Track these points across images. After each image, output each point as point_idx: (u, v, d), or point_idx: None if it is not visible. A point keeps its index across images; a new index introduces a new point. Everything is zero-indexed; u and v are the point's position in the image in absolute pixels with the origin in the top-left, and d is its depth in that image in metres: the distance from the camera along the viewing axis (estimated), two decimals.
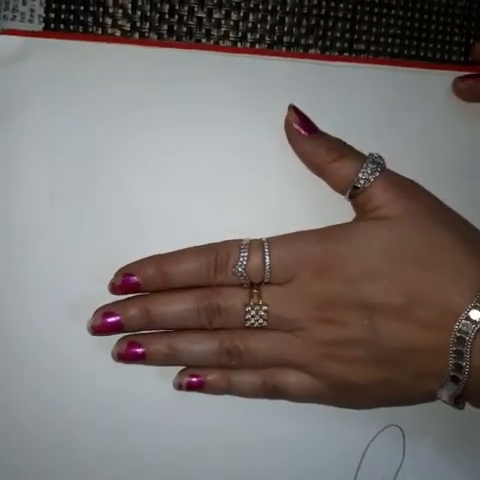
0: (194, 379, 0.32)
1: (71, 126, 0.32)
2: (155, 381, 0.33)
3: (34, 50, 0.32)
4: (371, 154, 0.31)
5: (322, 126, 0.32)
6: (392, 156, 0.32)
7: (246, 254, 0.30)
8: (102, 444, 0.33)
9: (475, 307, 0.28)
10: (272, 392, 0.32)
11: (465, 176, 0.34)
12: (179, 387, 0.32)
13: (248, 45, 0.34)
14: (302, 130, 0.32)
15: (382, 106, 0.34)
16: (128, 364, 0.31)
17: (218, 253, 0.30)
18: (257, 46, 0.34)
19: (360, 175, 0.31)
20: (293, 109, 0.32)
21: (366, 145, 0.32)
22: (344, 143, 0.32)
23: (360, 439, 0.34)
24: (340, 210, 0.32)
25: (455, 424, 0.34)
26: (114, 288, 0.31)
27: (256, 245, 0.31)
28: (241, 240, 0.31)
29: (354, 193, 0.31)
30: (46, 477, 0.33)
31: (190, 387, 0.32)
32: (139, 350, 0.31)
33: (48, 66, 0.32)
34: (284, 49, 0.34)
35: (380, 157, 0.31)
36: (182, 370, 0.32)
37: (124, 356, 0.31)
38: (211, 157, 0.33)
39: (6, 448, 0.33)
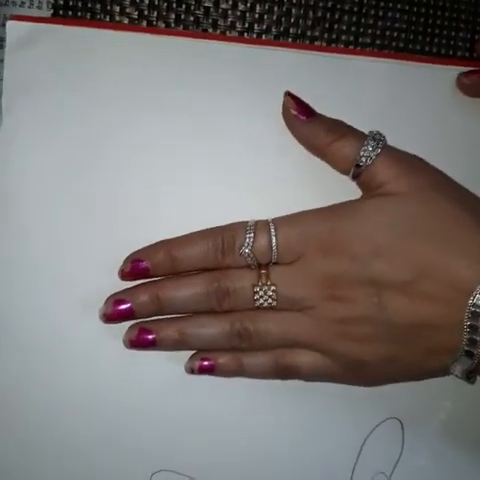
0: (205, 362, 0.32)
1: (77, 112, 0.32)
2: (159, 369, 0.33)
3: (42, 36, 0.32)
4: (371, 131, 0.31)
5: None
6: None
7: (252, 235, 0.30)
8: (105, 433, 0.33)
9: None
10: (284, 372, 0.32)
11: (469, 171, 0.34)
12: (191, 371, 0.32)
13: (255, 36, 0.34)
14: (300, 115, 0.32)
15: (386, 100, 0.34)
16: (140, 351, 0.32)
17: (224, 235, 0.31)
18: (264, 37, 0.34)
19: (362, 153, 0.31)
20: (289, 95, 0.32)
21: None
22: (343, 123, 0.32)
23: (359, 431, 0.34)
24: (345, 192, 0.32)
25: (454, 416, 0.34)
26: (124, 274, 0.31)
27: (262, 226, 0.31)
28: (247, 222, 0.31)
29: (357, 172, 0.31)
30: (48, 466, 0.33)
31: (202, 370, 0.32)
32: (150, 336, 0.31)
33: (56, 52, 0.32)
34: (290, 40, 0.34)
35: (380, 134, 0.31)
36: (193, 354, 0.32)
37: (135, 343, 0.31)
38: (217, 145, 0.33)
39: (9, 438, 0.33)
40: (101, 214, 0.33)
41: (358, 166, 0.31)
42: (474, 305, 0.28)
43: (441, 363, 0.30)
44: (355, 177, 0.31)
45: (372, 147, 0.31)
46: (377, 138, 0.31)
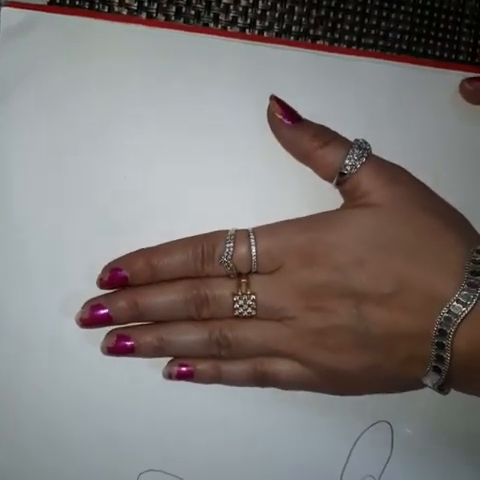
0: (184, 368, 0.31)
1: (72, 101, 0.32)
2: (148, 370, 0.32)
3: (38, 24, 0.31)
4: (357, 140, 0.31)
5: (324, 118, 0.32)
6: (393, 151, 0.31)
7: (232, 244, 0.30)
8: (94, 434, 0.33)
9: (458, 301, 0.28)
10: (262, 380, 0.32)
11: (470, 175, 0.34)
12: (169, 376, 0.32)
13: (256, 32, 0.33)
14: (285, 119, 0.31)
15: (386, 102, 0.34)
16: (117, 357, 0.31)
17: (204, 244, 0.30)
18: (265, 34, 0.33)
19: (347, 161, 0.30)
20: (275, 99, 0.32)
21: (368, 139, 0.31)
22: (329, 130, 0.32)
23: (348, 435, 0.34)
24: (328, 198, 0.32)
25: (443, 418, 0.34)
26: (102, 283, 0.31)
27: (242, 235, 0.30)
28: (227, 231, 0.31)
29: (341, 180, 0.31)
30: (41, 468, 0.33)
31: (180, 376, 0.32)
32: (128, 343, 0.31)
33: (51, 41, 0.31)
34: (292, 38, 0.34)
35: (366, 143, 0.31)
36: (172, 360, 0.32)
37: (113, 350, 0.31)
38: (210, 145, 0.33)
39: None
40: (92, 210, 0.32)
41: (342, 174, 0.31)
42: (441, 323, 0.29)
43: (414, 374, 0.30)
44: (338, 185, 0.31)
45: (357, 156, 0.31)
46: (363, 147, 0.31)
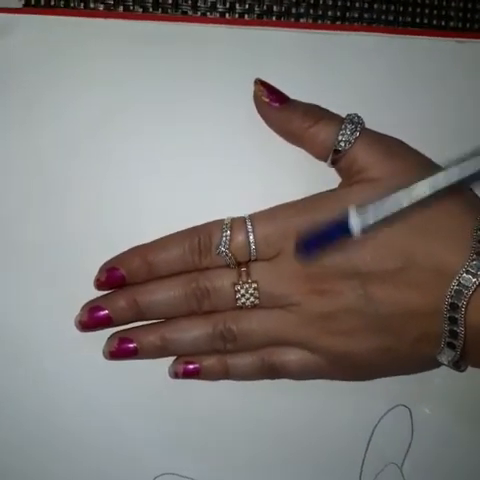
0: (190, 366, 0.31)
1: (55, 104, 0.31)
2: (158, 370, 0.32)
3: (15, 27, 0.31)
4: (349, 115, 0.30)
5: (314, 97, 0.31)
6: (388, 125, 0.31)
7: (228, 233, 0.29)
8: (106, 437, 0.32)
9: (467, 272, 0.27)
10: (271, 372, 0.31)
11: (467, 144, 0.33)
12: (175, 375, 0.31)
13: (237, 16, 0.33)
14: (272, 102, 0.30)
15: (378, 75, 0.33)
16: (121, 361, 0.31)
17: (200, 236, 0.30)
18: (246, 17, 0.33)
19: (340, 137, 0.30)
20: (260, 82, 0.31)
21: (362, 115, 0.30)
22: (318, 107, 0.31)
23: (366, 421, 0.33)
24: (324, 180, 0.31)
25: (463, 400, 0.33)
26: (99, 284, 0.30)
27: (238, 223, 0.30)
28: (222, 220, 0.30)
29: (336, 158, 0.30)
30: (49, 472, 0.32)
31: (186, 374, 0.31)
32: (131, 345, 0.30)
33: (30, 43, 0.31)
34: (274, 19, 0.33)
35: (358, 117, 0.30)
36: (177, 358, 0.31)
37: (116, 353, 0.30)
38: (200, 133, 0.32)
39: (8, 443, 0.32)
40: (86, 208, 0.31)
41: (336, 151, 0.30)
42: (452, 297, 0.28)
43: (428, 353, 0.29)
44: (334, 163, 0.30)
45: (350, 130, 0.30)
46: (355, 121, 0.30)
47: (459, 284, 0.28)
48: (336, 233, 0.27)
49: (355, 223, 0.26)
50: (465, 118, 0.33)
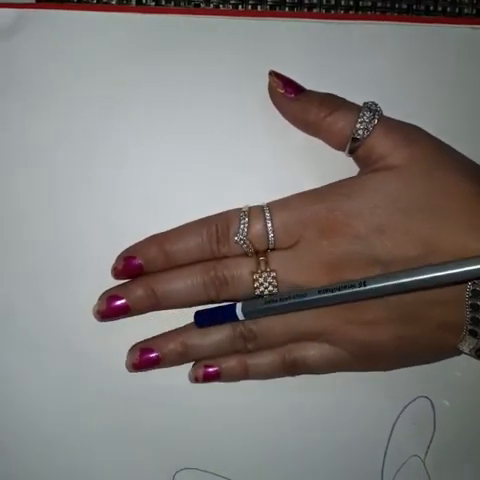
0: (210, 369, 0.30)
1: (68, 99, 0.31)
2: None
3: (28, 22, 0.31)
4: (366, 102, 0.30)
5: (329, 87, 0.31)
6: (405, 113, 0.30)
7: (246, 221, 0.29)
8: (125, 433, 0.32)
9: None
10: (293, 368, 0.30)
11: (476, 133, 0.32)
12: (195, 380, 0.31)
13: (249, 7, 0.32)
14: (288, 93, 0.30)
15: (392, 64, 0.32)
16: (143, 372, 0.31)
17: (218, 224, 0.29)
18: (259, 8, 0.33)
19: (358, 125, 0.29)
20: (274, 74, 0.31)
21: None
22: (335, 96, 0.30)
23: (388, 413, 0.33)
24: (342, 172, 0.30)
25: None
26: (117, 273, 0.30)
27: (256, 211, 0.29)
28: (240, 208, 0.30)
29: (354, 147, 0.30)
30: (68, 466, 0.32)
31: (207, 378, 0.31)
32: (153, 355, 0.30)
33: (44, 38, 0.31)
34: (287, 10, 0.33)
35: (376, 104, 0.30)
36: (196, 362, 0.31)
37: (139, 365, 0.30)
38: (212, 126, 0.32)
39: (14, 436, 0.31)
40: (96, 204, 0.31)
41: (355, 140, 0.29)
42: (474, 283, 0.27)
43: (449, 342, 0.29)
44: (352, 152, 0.30)
45: (368, 118, 0.29)
46: (373, 109, 0.30)
47: None
48: (225, 317, 0.30)
49: (239, 313, 0.29)
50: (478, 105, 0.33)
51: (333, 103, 0.30)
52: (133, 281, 0.30)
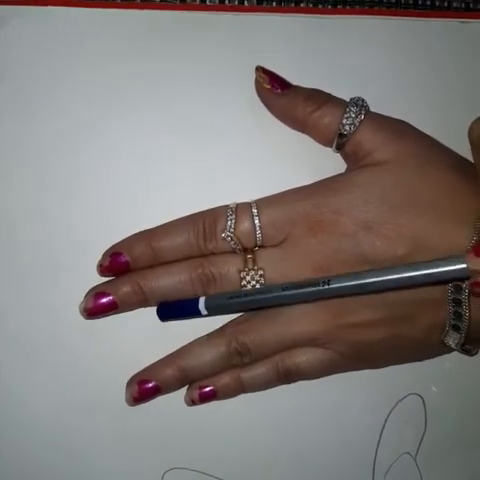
0: (205, 390, 0.30)
1: (53, 95, 0.31)
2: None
3: (13, 18, 0.31)
4: (353, 98, 0.30)
5: (317, 83, 0.30)
6: (395, 110, 0.30)
7: (233, 217, 0.29)
8: (113, 433, 0.31)
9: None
10: (287, 377, 0.30)
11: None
12: (192, 403, 0.31)
13: (236, 2, 0.32)
14: (274, 88, 0.30)
15: (379, 59, 0.32)
16: (143, 403, 0.30)
17: (205, 221, 0.29)
18: (246, 3, 0.32)
19: (344, 121, 0.29)
20: (261, 69, 0.30)
21: (368, 99, 0.30)
22: (322, 91, 0.30)
23: (379, 411, 0.32)
24: (331, 169, 0.30)
25: (477, 389, 0.32)
26: (103, 269, 0.30)
27: (244, 208, 0.29)
28: (228, 205, 0.29)
29: (341, 142, 0.29)
30: (57, 467, 0.31)
31: (203, 399, 0.30)
32: (150, 385, 0.30)
33: (28, 34, 0.31)
34: (274, 4, 0.32)
35: (363, 100, 0.30)
36: (190, 386, 0.31)
37: (139, 398, 0.30)
38: (203, 121, 0.31)
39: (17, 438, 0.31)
40: (88, 201, 0.31)
41: (341, 135, 0.29)
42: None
43: (438, 338, 0.29)
44: (339, 148, 0.30)
45: (355, 113, 0.29)
46: (359, 104, 0.29)
47: None
48: (187, 311, 0.30)
49: (202, 308, 0.29)
50: (469, 99, 0.33)
51: (319, 98, 0.30)
52: (120, 277, 0.30)
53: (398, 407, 0.32)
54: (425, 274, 0.25)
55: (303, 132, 0.31)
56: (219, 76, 0.31)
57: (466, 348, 0.29)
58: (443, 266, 0.25)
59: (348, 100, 0.30)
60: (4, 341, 0.31)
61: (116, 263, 0.29)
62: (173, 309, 0.30)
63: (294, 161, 0.31)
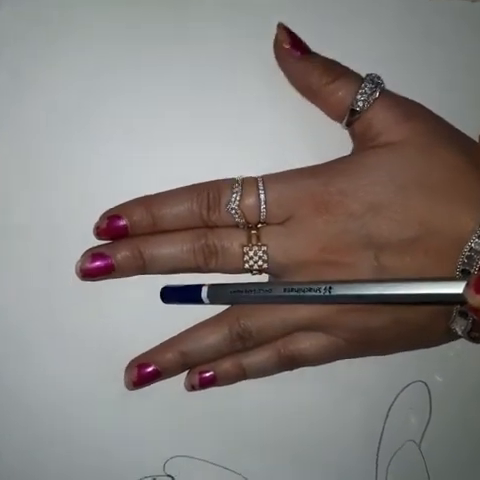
0: (206, 375, 0.30)
1: (42, 82, 0.30)
2: None
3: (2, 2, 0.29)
4: (369, 74, 0.29)
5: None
6: (405, 88, 0.29)
7: (239, 191, 0.28)
8: (113, 423, 0.31)
9: (479, 236, 0.27)
10: (290, 363, 0.30)
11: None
12: (192, 388, 0.30)
13: None
14: (294, 50, 0.29)
15: (389, 37, 0.31)
16: (142, 387, 0.30)
17: (210, 191, 0.28)
18: None
19: (358, 96, 0.28)
20: (283, 28, 0.29)
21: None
22: (339, 64, 0.29)
23: (383, 398, 0.32)
24: (341, 150, 0.30)
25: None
26: (99, 232, 0.29)
27: (250, 182, 0.28)
28: (234, 178, 0.29)
29: (352, 119, 0.29)
30: (57, 458, 0.31)
31: (203, 384, 0.30)
32: (150, 369, 0.29)
33: (17, 19, 0.29)
34: None
35: (379, 77, 0.29)
36: (190, 370, 0.30)
37: (138, 382, 0.30)
38: (206, 99, 0.30)
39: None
40: (78, 188, 0.30)
41: (353, 112, 0.28)
42: (463, 263, 0.27)
43: (443, 324, 0.29)
44: (348, 125, 0.29)
45: (370, 89, 0.28)
46: (376, 81, 0.29)
47: (471, 249, 0.27)
48: (190, 297, 0.29)
49: (204, 297, 0.29)
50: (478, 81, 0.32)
51: (337, 70, 0.29)
52: (120, 241, 0.29)
53: (403, 394, 0.32)
54: (425, 294, 0.25)
55: (314, 102, 0.30)
56: (217, 53, 0.30)
57: (473, 335, 0.29)
58: (444, 288, 0.24)
59: (364, 76, 0.29)
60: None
61: (114, 226, 0.28)
62: (176, 293, 0.30)
63: (303, 142, 0.31)
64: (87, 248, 0.29)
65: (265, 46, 0.30)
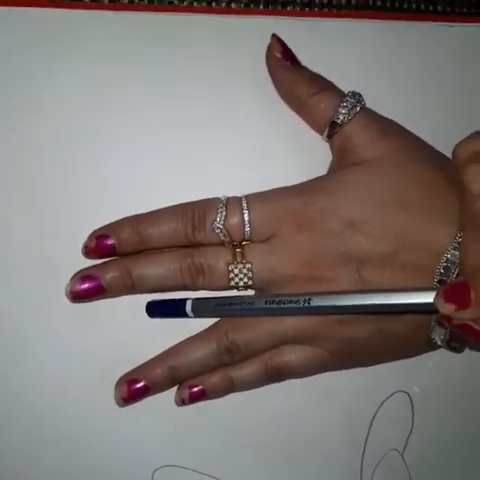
0: (195, 389, 0.30)
1: (34, 99, 0.31)
2: None
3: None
4: (351, 91, 0.30)
5: None
6: (389, 111, 0.31)
7: (224, 210, 0.29)
8: (103, 432, 0.31)
9: (455, 248, 0.28)
10: (277, 374, 0.31)
11: (463, 128, 0.33)
12: (182, 403, 0.31)
13: (223, 5, 0.32)
14: (284, 59, 0.31)
15: (365, 62, 0.33)
16: (133, 403, 0.30)
17: (195, 210, 0.29)
18: (233, 5, 0.33)
19: (340, 109, 0.30)
20: (276, 38, 0.31)
21: None
22: (325, 78, 0.31)
23: (367, 408, 0.33)
24: (321, 165, 0.31)
25: (463, 386, 0.33)
26: (88, 251, 0.30)
27: (234, 202, 0.29)
28: (218, 198, 0.30)
29: (332, 132, 0.30)
30: (47, 472, 0.31)
31: (193, 399, 0.31)
32: (140, 385, 0.30)
33: (7, 36, 0.31)
34: (261, 7, 0.33)
35: (360, 94, 0.30)
36: (179, 386, 0.31)
37: (129, 398, 0.30)
38: (196, 118, 0.32)
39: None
40: (78, 194, 0.31)
41: (334, 124, 0.30)
42: (440, 274, 0.28)
43: (424, 333, 0.29)
44: (329, 137, 0.30)
45: (351, 104, 0.30)
46: (357, 98, 0.30)
47: (447, 260, 0.28)
48: (175, 311, 0.30)
49: (188, 310, 0.30)
50: (455, 101, 0.33)
51: (322, 83, 0.31)
52: (109, 262, 0.30)
53: (386, 404, 0.33)
54: (399, 304, 0.26)
55: (299, 113, 0.31)
56: (211, 73, 0.32)
57: (453, 345, 0.29)
58: (417, 298, 0.25)
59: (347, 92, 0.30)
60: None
61: (102, 245, 0.29)
62: (161, 308, 0.30)
63: (285, 157, 0.32)
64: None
65: (254, 64, 0.31)
